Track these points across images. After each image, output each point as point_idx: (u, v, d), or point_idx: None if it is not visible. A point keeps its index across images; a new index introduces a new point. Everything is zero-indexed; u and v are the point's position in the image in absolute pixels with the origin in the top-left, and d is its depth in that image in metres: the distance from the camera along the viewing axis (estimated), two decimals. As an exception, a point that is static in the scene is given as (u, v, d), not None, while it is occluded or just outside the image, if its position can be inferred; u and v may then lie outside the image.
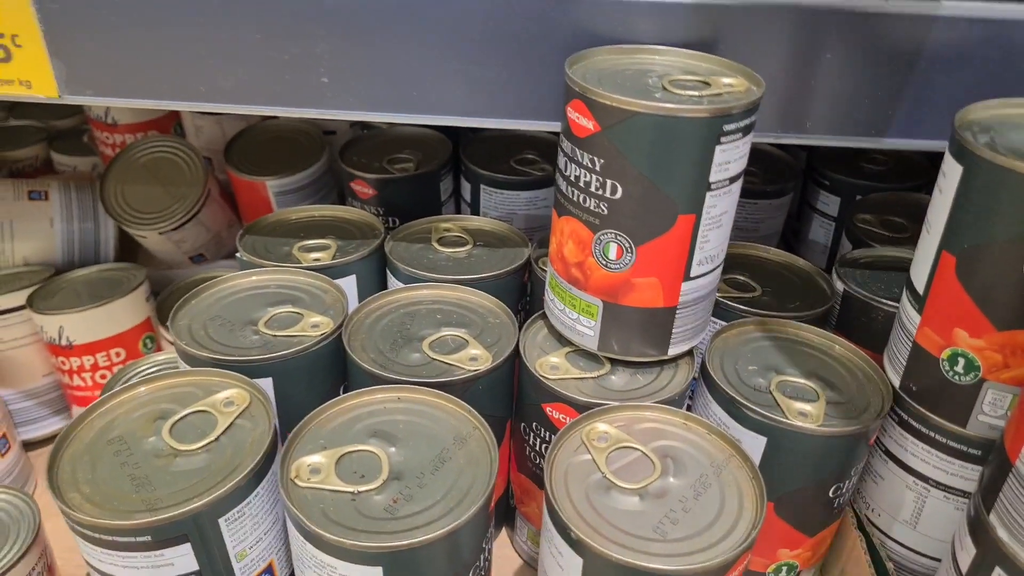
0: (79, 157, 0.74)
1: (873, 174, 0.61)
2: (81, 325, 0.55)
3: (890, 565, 0.43)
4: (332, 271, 0.45)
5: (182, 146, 0.61)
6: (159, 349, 0.59)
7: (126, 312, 0.57)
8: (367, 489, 0.32)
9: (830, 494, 0.39)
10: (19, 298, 0.56)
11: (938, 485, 0.40)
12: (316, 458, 0.33)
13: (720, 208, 0.36)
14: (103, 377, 0.57)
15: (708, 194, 0.35)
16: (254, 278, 0.44)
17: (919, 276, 0.38)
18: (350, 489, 0.32)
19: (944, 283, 0.36)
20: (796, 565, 0.43)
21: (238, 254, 0.46)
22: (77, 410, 0.59)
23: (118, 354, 0.57)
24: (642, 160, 0.33)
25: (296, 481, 0.32)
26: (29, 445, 0.59)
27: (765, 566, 0.42)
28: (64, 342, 0.55)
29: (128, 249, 0.64)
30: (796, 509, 0.40)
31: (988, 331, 0.34)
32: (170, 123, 0.67)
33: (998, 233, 0.33)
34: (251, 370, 0.37)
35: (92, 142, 0.70)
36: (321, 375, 0.40)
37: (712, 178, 0.34)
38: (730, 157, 0.34)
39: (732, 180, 0.35)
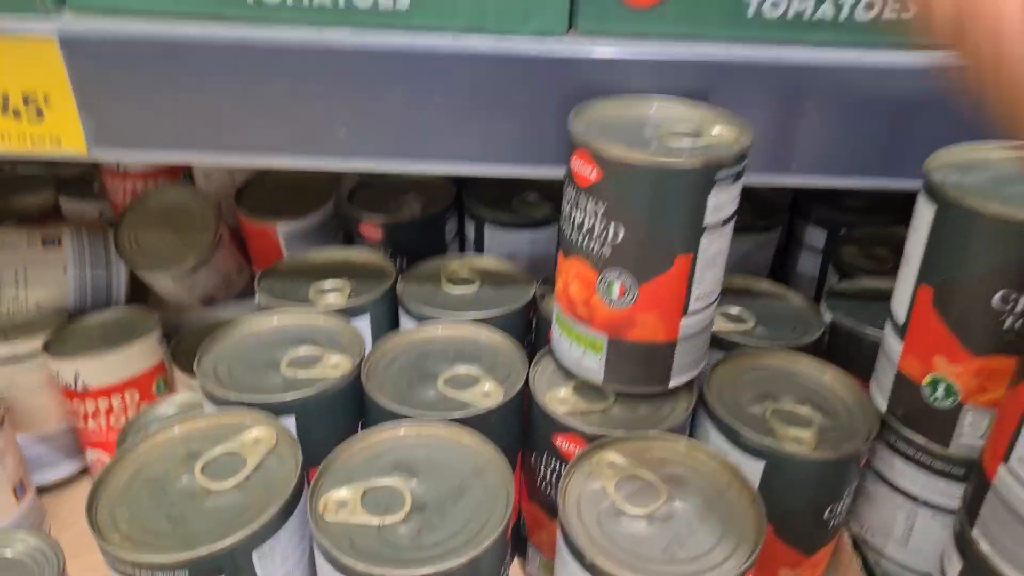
0: (87, 203, 0.76)
1: (857, 209, 0.64)
2: (97, 369, 0.57)
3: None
4: (348, 312, 0.48)
5: (195, 193, 0.64)
6: (172, 391, 0.60)
7: (140, 355, 0.58)
8: (392, 521, 0.34)
9: (825, 515, 0.42)
10: (35, 344, 0.58)
11: (926, 504, 0.43)
12: (343, 492, 0.35)
13: (715, 248, 0.38)
14: (117, 420, 0.58)
15: (703, 236, 0.37)
16: (275, 320, 0.46)
17: (900, 307, 0.41)
18: (375, 521, 0.33)
19: (923, 314, 0.38)
20: (796, 585, 0.45)
21: (256, 297, 0.49)
22: (92, 453, 0.60)
23: (132, 396, 0.59)
24: (642, 206, 0.36)
25: (324, 515, 0.34)
26: (42, 489, 0.60)
27: (766, 586, 0.44)
28: (79, 387, 0.57)
29: (138, 293, 0.66)
30: (794, 530, 0.42)
31: (965, 358, 0.37)
32: (180, 170, 0.69)
33: (970, 268, 0.36)
34: (276, 409, 0.39)
35: (102, 189, 0.72)
36: (341, 412, 0.42)
37: (706, 221, 0.37)
38: (722, 201, 0.37)
39: (725, 222, 0.38)
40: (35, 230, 0.64)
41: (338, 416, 0.42)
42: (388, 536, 0.33)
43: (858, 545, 0.47)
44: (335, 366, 0.42)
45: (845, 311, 0.51)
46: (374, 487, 0.35)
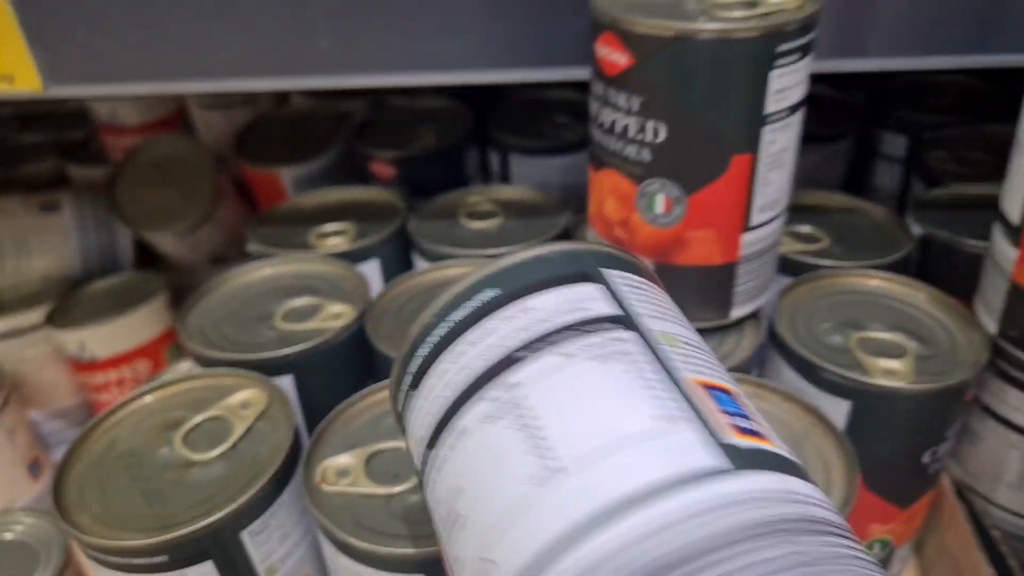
0: (94, 168, 0.72)
1: (941, 108, 0.56)
2: (103, 338, 0.53)
3: (996, 533, 0.38)
4: (352, 256, 0.42)
5: (190, 143, 0.58)
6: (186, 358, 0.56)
7: (148, 321, 0.54)
8: (402, 489, 0.28)
9: (924, 459, 0.35)
10: (39, 315, 0.54)
11: (1051, 442, 0.35)
12: (343, 459, 0.29)
13: (780, 144, 0.31)
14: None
15: (765, 128, 0.30)
16: (268, 270, 0.41)
17: (1012, 205, 0.33)
18: (383, 491, 0.28)
19: (1049, 208, 0.31)
20: (890, 541, 0.38)
21: (249, 246, 0.43)
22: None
23: (144, 366, 0.55)
24: (687, 94, 0.29)
25: (322, 485, 0.29)
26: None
27: (856, 545, 0.38)
28: (87, 357, 0.53)
29: (147, 259, 0.62)
30: (887, 479, 0.35)
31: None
32: (177, 122, 0.64)
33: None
34: (269, 367, 0.34)
35: (103, 150, 0.68)
36: (345, 368, 0.36)
37: (768, 109, 0.30)
38: (787, 83, 0.30)
39: (792, 110, 0.31)
40: (33, 196, 0.60)
41: (342, 373, 0.36)
42: (397, 507, 0.28)
43: (962, 493, 0.40)
44: (336, 316, 0.37)
45: (937, 223, 0.43)
46: (380, 451, 0.30)
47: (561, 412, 0.17)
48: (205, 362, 0.35)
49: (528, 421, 0.17)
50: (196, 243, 0.58)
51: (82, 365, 0.54)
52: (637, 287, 0.21)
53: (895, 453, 0.35)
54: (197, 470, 0.30)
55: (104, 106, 0.64)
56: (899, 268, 0.41)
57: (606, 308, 0.19)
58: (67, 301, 0.55)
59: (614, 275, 0.21)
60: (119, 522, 0.28)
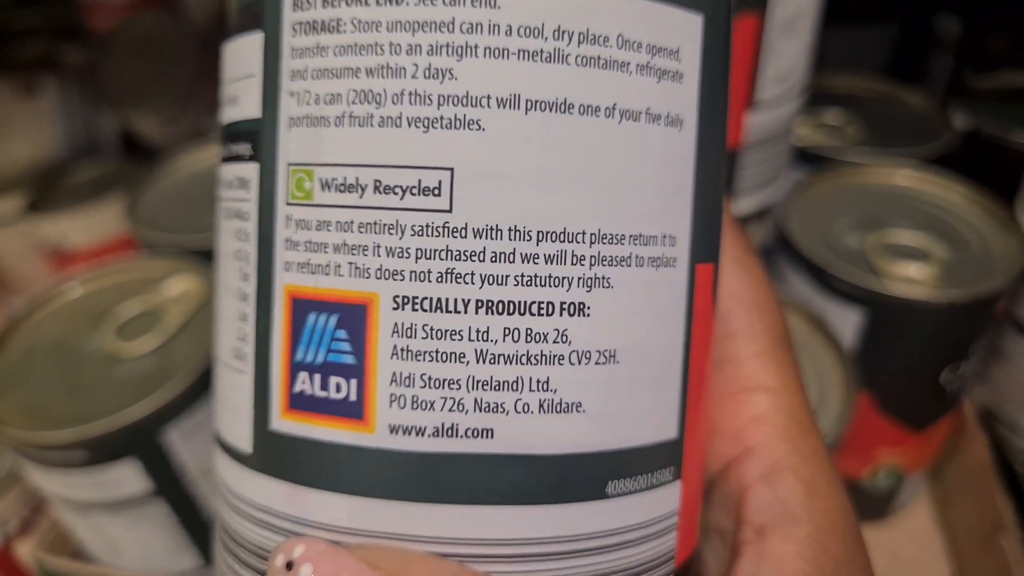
0: (88, 51, 0.69)
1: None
2: (83, 227, 0.51)
3: (1019, 467, 0.35)
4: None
5: (172, 20, 0.54)
6: (171, 250, 0.54)
7: (131, 210, 0.52)
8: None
9: (942, 378, 0.31)
10: (20, 203, 0.52)
11: (1091, 364, 0.31)
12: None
13: (793, 6, 0.26)
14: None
15: (776, -17, 0.25)
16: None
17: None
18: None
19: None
20: (897, 468, 0.35)
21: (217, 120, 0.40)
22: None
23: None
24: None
25: (257, 383, 0.26)
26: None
27: (859, 469, 0.34)
28: (69, 248, 0.51)
29: (137, 148, 0.59)
30: (900, 399, 0.32)
31: None
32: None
33: None
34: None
35: (91, 33, 0.64)
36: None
37: (781, -42, 0.25)
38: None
39: (810, -40, 0.26)
40: (17, 79, 0.58)
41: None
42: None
43: (985, 418, 0.37)
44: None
45: (986, 113, 0.38)
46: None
47: None
48: (148, 245, 0.32)
49: None
50: (182, 127, 0.55)
51: (63, 256, 0.52)
52: None
53: (910, 370, 0.31)
54: (127, 364, 0.27)
55: (89, -18, 0.60)
56: (936, 163, 0.36)
57: None
58: (49, 188, 0.53)
59: None
60: (39, 416, 0.26)
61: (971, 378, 0.34)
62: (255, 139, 0.13)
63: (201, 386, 0.26)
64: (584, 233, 0.12)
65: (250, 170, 0.13)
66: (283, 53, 0.12)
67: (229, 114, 0.14)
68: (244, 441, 0.13)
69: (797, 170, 0.35)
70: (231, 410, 0.14)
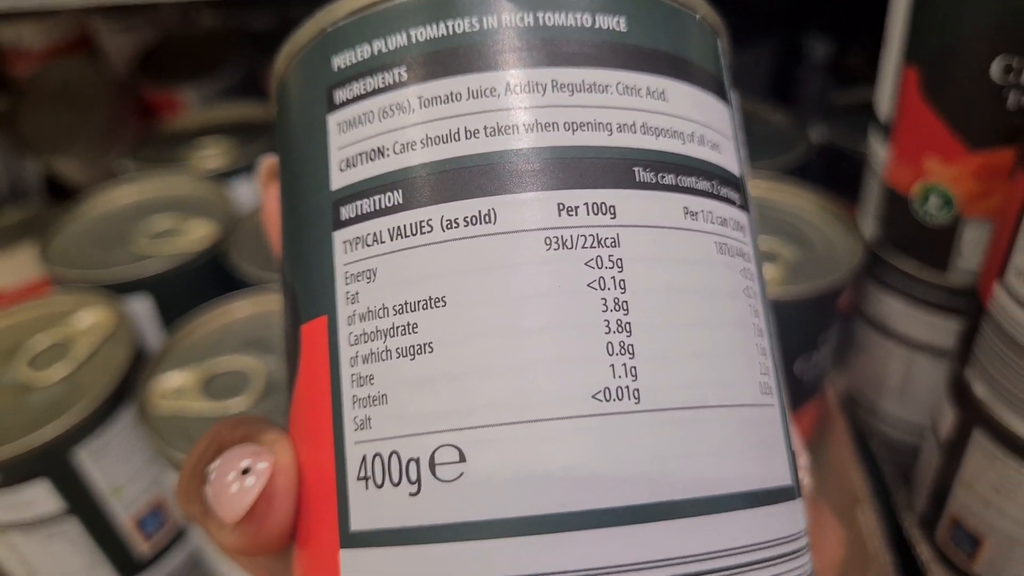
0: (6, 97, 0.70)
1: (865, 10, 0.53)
2: (4, 270, 0.52)
3: (873, 443, 0.39)
4: (231, 174, 0.41)
5: (91, 66, 0.56)
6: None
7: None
8: (240, 406, 0.28)
9: (796, 369, 0.34)
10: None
11: (924, 348, 0.35)
12: (178, 376, 0.29)
13: None
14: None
15: None
16: (135, 189, 0.40)
17: (882, 100, 0.32)
18: (220, 408, 0.28)
19: (910, 104, 0.30)
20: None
21: (124, 164, 0.42)
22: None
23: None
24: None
25: (159, 402, 0.28)
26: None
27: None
28: (-6, 292, 0.52)
29: (61, 193, 0.60)
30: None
31: (961, 155, 0.28)
32: (85, 45, 0.61)
33: (962, 30, 0.26)
34: (126, 288, 0.33)
35: (12, 79, 0.65)
36: (207, 289, 0.35)
37: None
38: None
39: None
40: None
41: (203, 293, 0.35)
42: (232, 424, 0.27)
43: (846, 404, 0.40)
44: (201, 238, 0.36)
45: (840, 127, 0.42)
46: (219, 368, 0.29)
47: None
48: (64, 286, 0.34)
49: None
50: (102, 169, 0.56)
51: (-10, 299, 0.53)
52: None
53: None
54: (38, 393, 0.29)
55: (8, 30, 0.61)
56: (793, 174, 0.40)
57: None
58: (-28, 233, 0.54)
59: None
60: (-46, 445, 0.28)
61: (828, 367, 0.38)
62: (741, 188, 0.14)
63: (109, 407, 0.28)
64: None
65: (742, 217, 0.14)
66: None
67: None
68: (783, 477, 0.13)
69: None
70: (768, 448, 0.13)
